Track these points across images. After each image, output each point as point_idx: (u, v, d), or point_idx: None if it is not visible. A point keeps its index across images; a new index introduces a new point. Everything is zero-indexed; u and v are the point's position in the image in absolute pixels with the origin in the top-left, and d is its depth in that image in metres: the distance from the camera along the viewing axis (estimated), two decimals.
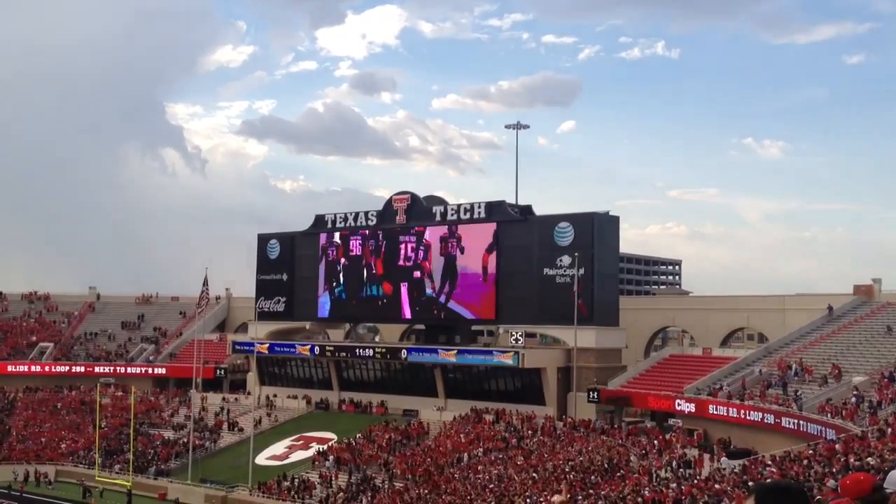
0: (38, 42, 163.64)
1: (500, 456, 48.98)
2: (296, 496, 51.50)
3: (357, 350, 67.56)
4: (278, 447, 60.56)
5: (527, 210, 64.17)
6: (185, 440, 62.21)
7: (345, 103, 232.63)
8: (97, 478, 58.78)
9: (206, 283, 65.03)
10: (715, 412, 47.49)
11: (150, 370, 79.84)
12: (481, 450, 50.68)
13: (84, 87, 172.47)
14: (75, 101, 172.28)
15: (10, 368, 79.45)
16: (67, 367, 79.85)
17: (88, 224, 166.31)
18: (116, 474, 59.90)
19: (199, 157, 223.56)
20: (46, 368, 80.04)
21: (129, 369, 79.42)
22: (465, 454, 50.55)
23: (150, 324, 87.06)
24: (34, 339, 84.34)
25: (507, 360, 58.44)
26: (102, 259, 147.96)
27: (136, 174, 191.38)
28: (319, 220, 72.97)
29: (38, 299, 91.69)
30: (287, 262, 74.52)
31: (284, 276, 74.55)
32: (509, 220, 62.84)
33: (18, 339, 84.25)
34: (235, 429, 65.79)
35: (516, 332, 60.13)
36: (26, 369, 79.81)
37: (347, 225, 70.73)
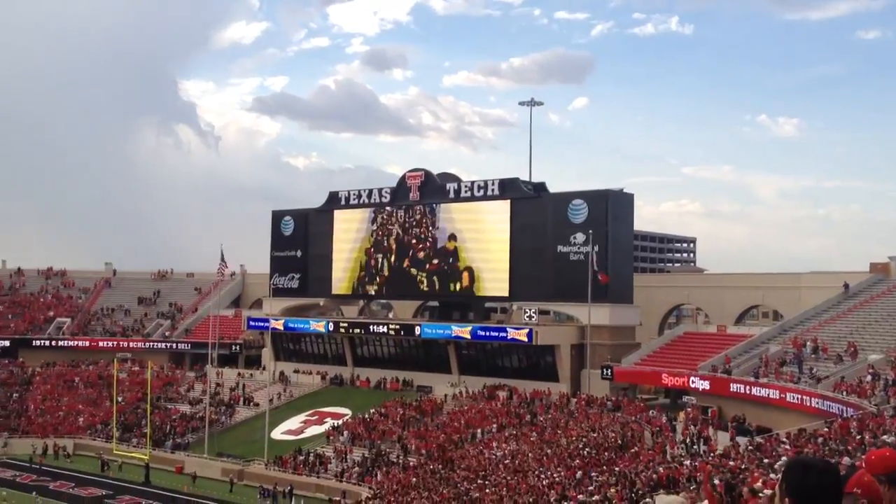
0: (50, 21, 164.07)
1: (514, 432, 49.20)
2: (311, 470, 52.02)
3: (371, 326, 67.87)
4: (293, 422, 61.06)
5: (540, 187, 64.06)
6: (202, 415, 62.78)
7: (357, 80, 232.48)
8: (115, 451, 59.61)
9: (223, 258, 67.04)
10: (730, 390, 47.50)
11: (165, 345, 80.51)
12: (495, 426, 50.94)
13: (98, 64, 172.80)
14: (89, 78, 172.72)
15: (29, 343, 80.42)
16: (84, 342, 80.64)
17: (104, 201, 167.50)
18: (134, 448, 60.57)
19: (212, 134, 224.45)
20: (63, 343, 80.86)
21: (145, 344, 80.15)
22: (479, 430, 50.81)
23: (165, 299, 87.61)
24: (51, 314, 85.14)
25: (521, 336, 58.56)
26: (118, 235, 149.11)
27: (151, 151, 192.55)
28: (333, 197, 73.10)
29: (55, 275, 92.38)
30: (301, 239, 74.78)
31: (298, 253, 74.83)
32: (523, 197, 62.75)
33: (36, 315, 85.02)
34: (251, 404, 66.35)
35: (530, 309, 60.26)
36: (44, 344, 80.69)
37: (361, 202, 70.84)
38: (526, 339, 58.33)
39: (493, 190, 63.80)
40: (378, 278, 69.65)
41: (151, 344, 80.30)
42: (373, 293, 71.93)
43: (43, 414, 70.05)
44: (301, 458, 53.54)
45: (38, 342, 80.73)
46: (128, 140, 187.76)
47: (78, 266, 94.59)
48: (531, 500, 35.40)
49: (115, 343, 79.88)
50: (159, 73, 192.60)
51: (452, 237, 65.38)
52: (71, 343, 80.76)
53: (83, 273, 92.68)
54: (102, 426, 66.85)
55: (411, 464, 48.35)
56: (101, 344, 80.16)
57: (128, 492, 52.40)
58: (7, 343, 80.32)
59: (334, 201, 72.87)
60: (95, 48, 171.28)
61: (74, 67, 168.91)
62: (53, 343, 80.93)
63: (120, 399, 66.18)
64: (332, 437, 56.29)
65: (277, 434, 58.76)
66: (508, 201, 62.93)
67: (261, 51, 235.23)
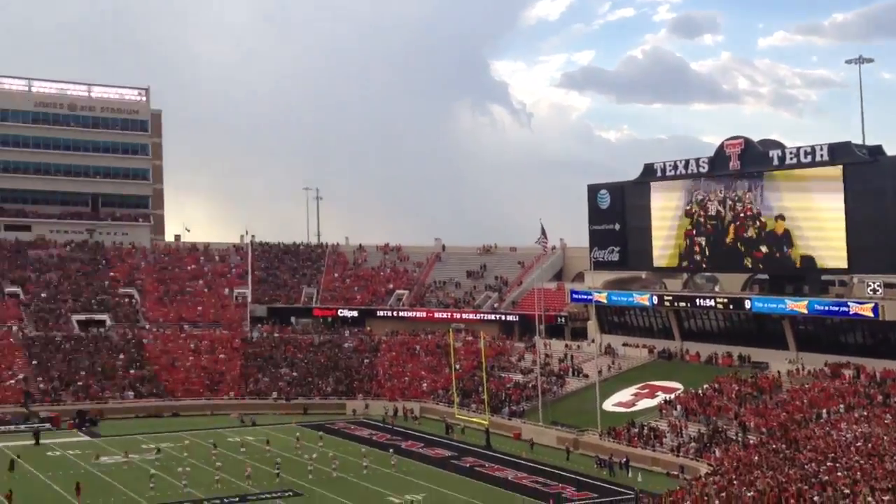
0: (374, 16, 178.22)
1: (865, 413, 46.67)
2: (646, 443, 52.99)
3: (697, 300, 67.05)
4: (624, 394, 62.24)
5: (877, 150, 59.15)
6: (534, 384, 66.02)
7: (665, 48, 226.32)
8: (457, 415, 64.53)
9: (543, 233, 72.93)
10: None
11: (495, 316, 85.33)
12: (842, 406, 48.62)
13: (421, 52, 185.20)
14: (415, 65, 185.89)
15: (374, 314, 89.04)
16: (422, 313, 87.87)
17: (431, 180, 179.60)
18: (473, 413, 65.17)
19: (524, 111, 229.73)
20: (404, 314, 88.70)
21: (476, 315, 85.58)
22: (824, 410, 48.77)
23: (491, 273, 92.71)
24: (391, 286, 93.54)
25: (865, 312, 55.03)
26: (445, 212, 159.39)
27: (469, 131, 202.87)
28: (648, 169, 72.77)
29: (392, 250, 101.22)
30: (618, 212, 75.26)
31: (617, 226, 75.43)
32: (857, 162, 58.39)
33: (378, 287, 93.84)
34: (580, 375, 68.56)
35: (873, 283, 56.38)
36: (387, 314, 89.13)
37: (678, 173, 69.86)
38: (871, 315, 54.69)
39: (821, 155, 59.98)
40: (701, 252, 68.52)
41: (482, 315, 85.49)
42: (700, 267, 70.70)
43: (390, 378, 77.54)
44: (635, 430, 54.66)
45: (381, 313, 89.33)
46: (448, 122, 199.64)
47: (411, 242, 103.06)
48: (890, 485, 33.73)
49: (450, 314, 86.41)
50: (473, 56, 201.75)
51: (780, 217, 62.40)
52: (410, 314, 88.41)
53: (416, 248, 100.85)
54: (443, 392, 72.64)
55: (751, 442, 47.60)
56: (436, 315, 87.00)
57: (471, 454, 56.10)
58: (356, 313, 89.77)
59: (650, 173, 72.52)
60: (419, 36, 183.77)
61: (401, 57, 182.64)
62: (395, 313, 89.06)
63: (457, 367, 71.35)
64: (664, 411, 56.79)
65: (608, 405, 60.33)
66: (840, 167, 58.91)
67: (567, 26, 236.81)
